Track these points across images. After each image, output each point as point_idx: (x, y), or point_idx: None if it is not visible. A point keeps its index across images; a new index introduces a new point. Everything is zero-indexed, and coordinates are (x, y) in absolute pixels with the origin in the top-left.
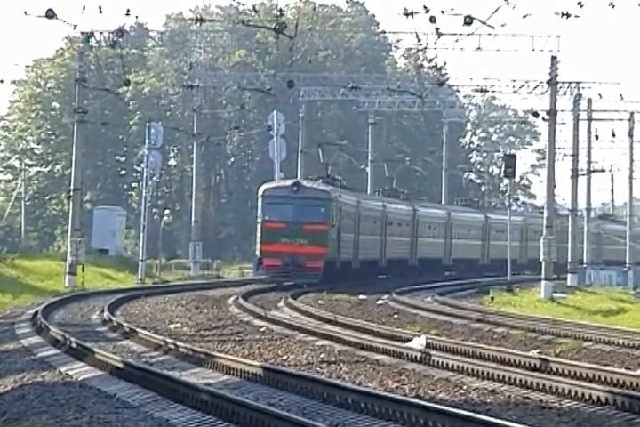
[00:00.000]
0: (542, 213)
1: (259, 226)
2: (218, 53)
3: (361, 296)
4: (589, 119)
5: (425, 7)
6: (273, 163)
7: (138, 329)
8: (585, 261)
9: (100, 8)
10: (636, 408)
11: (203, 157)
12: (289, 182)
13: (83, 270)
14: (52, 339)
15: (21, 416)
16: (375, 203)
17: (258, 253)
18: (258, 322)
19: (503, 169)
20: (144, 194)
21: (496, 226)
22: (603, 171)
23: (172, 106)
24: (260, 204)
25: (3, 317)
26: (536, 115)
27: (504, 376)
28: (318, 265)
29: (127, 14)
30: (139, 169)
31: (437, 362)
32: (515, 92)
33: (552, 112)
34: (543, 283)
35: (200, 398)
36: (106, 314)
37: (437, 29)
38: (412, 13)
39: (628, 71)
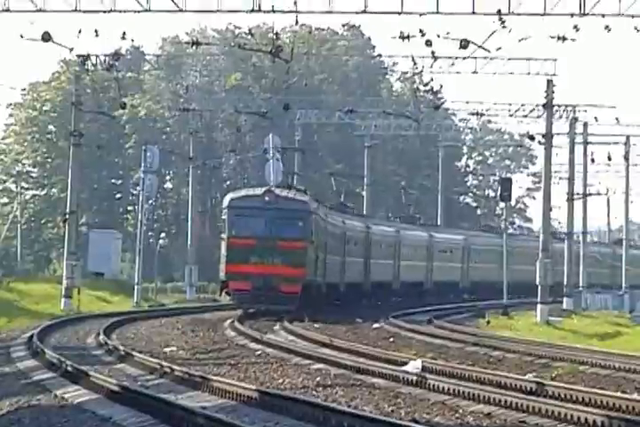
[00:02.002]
0: (488, 231)
1: (223, 243)
2: (214, 77)
3: (357, 320)
4: (585, 143)
5: (421, 31)
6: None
7: (133, 352)
8: (581, 284)
9: (96, 31)
10: None
11: (199, 181)
12: (259, 191)
13: (78, 294)
14: (48, 362)
15: None
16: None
17: (222, 274)
18: (254, 345)
19: (499, 192)
20: (140, 217)
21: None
22: (599, 194)
23: (167, 129)
24: (225, 217)
25: None
26: (532, 138)
27: (500, 400)
28: (295, 289)
29: (123, 38)
30: (134, 192)
31: (433, 385)
32: (511, 115)
33: (548, 135)
34: (539, 306)
35: (196, 422)
36: (101, 337)
37: (433, 53)
38: (407, 37)
39: (624, 95)
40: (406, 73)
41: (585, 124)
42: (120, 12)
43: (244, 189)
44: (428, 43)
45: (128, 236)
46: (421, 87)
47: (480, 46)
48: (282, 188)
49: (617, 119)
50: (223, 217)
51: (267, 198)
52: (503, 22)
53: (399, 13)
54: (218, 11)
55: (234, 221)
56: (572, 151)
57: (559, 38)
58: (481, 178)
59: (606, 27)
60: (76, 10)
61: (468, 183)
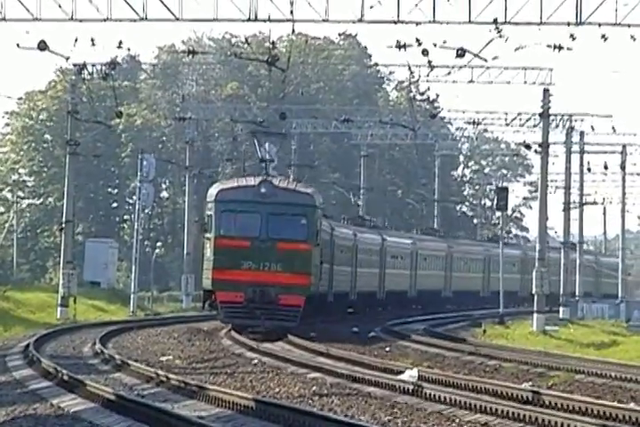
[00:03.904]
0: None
1: (208, 244)
2: (210, 86)
3: (353, 329)
4: (582, 152)
5: (417, 40)
6: None
7: (130, 361)
8: (577, 293)
9: (92, 40)
10: None
11: (195, 190)
12: (254, 181)
13: (74, 303)
14: (44, 371)
15: None
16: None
17: (207, 283)
18: (250, 354)
19: (495, 202)
20: (136, 226)
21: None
22: (595, 203)
23: (164, 138)
24: (211, 212)
25: None
26: (528, 147)
27: (496, 409)
28: (297, 302)
29: (119, 46)
30: (131, 201)
31: (430, 395)
32: (507, 124)
33: (544, 145)
34: (535, 316)
35: None
36: (98, 346)
37: (430, 62)
38: (404, 46)
39: (621, 104)
40: (402, 82)
41: (581, 134)
42: (116, 20)
43: (234, 178)
44: (425, 52)
45: (124, 245)
46: (418, 96)
47: (476, 55)
48: (280, 177)
49: (613, 128)
50: (208, 212)
51: (263, 190)
52: (499, 31)
53: (395, 22)
54: (214, 20)
55: (222, 218)
56: (568, 160)
57: (555, 47)
58: (477, 187)
59: (603, 36)
60: (72, 19)
61: (465, 192)
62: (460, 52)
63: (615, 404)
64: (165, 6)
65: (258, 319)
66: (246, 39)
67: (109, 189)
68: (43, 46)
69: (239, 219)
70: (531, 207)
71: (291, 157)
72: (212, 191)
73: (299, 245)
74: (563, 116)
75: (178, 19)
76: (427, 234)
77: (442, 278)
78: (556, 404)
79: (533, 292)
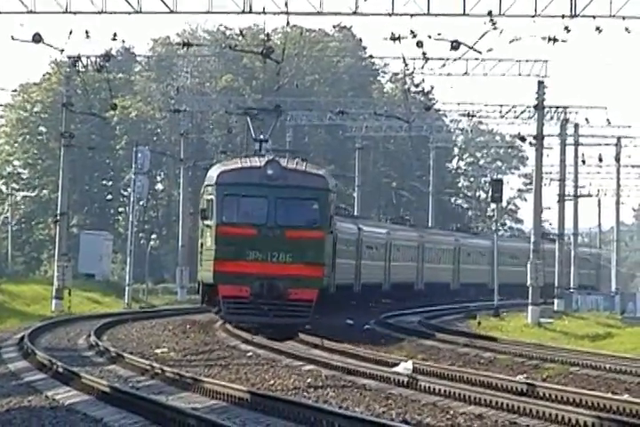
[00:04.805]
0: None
1: (209, 233)
2: (205, 78)
3: (348, 321)
4: (576, 144)
5: (412, 32)
6: None
7: (124, 354)
8: (572, 285)
9: (86, 32)
10: None
11: (190, 182)
12: (259, 162)
13: (69, 295)
14: (39, 363)
15: None
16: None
17: (208, 276)
18: (244, 347)
19: (490, 194)
20: (131, 218)
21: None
22: (590, 196)
23: (158, 130)
24: (212, 197)
25: None
26: (523, 139)
27: (491, 401)
28: (309, 296)
29: (114, 39)
30: (125, 194)
31: (424, 387)
32: (502, 116)
33: (539, 137)
34: (530, 308)
35: (187, 423)
36: (92, 339)
37: (424, 54)
38: (399, 38)
39: (616, 96)
40: (397, 74)
41: (576, 126)
42: (111, 13)
43: (236, 158)
44: (419, 44)
45: (119, 237)
46: (412, 88)
47: (471, 48)
48: (288, 157)
49: (608, 121)
50: (208, 197)
51: (269, 171)
52: (494, 24)
53: (390, 15)
54: (209, 12)
55: (225, 203)
56: (563, 153)
57: (550, 40)
58: (472, 179)
59: (597, 28)
60: (66, 11)
61: (460, 185)
62: (455, 45)
63: (610, 395)
64: None
65: (265, 316)
66: (241, 31)
67: (104, 182)
68: (37, 39)
69: (243, 204)
70: (525, 199)
71: (285, 148)
72: (213, 173)
73: (311, 233)
74: (557, 108)
75: (172, 11)
76: (397, 223)
77: (415, 270)
78: (550, 396)
79: (528, 284)
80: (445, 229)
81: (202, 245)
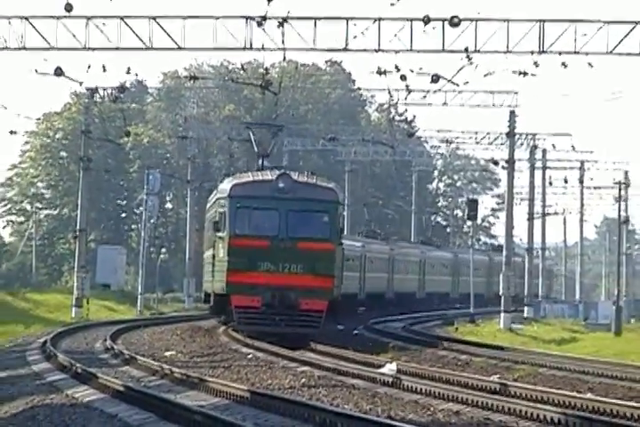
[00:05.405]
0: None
1: (221, 244)
2: (209, 108)
3: (338, 326)
4: (544, 167)
5: (396, 66)
6: None
7: (137, 356)
8: (540, 294)
9: (103, 67)
10: None
11: (196, 201)
12: (271, 175)
13: (87, 303)
14: (60, 365)
15: None
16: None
17: (220, 286)
18: (245, 350)
19: (466, 212)
20: (143, 234)
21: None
22: (556, 214)
23: (168, 155)
24: (225, 209)
25: (15, 345)
26: (496, 163)
27: (467, 399)
28: (320, 306)
29: (128, 72)
30: (138, 212)
31: (407, 386)
32: (477, 142)
33: (510, 161)
34: (502, 315)
35: (193, 419)
36: (108, 342)
37: (407, 86)
38: (384, 72)
39: (580, 124)
40: (383, 104)
41: (544, 151)
42: (125, 49)
43: (248, 172)
44: (403, 77)
45: (132, 251)
46: (397, 117)
47: (449, 80)
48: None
49: (572, 146)
50: (221, 209)
51: (281, 185)
52: (470, 59)
53: (377, 51)
54: (213, 48)
55: (237, 215)
56: (532, 175)
57: (520, 73)
58: (450, 199)
59: (563, 63)
60: (85, 47)
61: (439, 204)
62: (435, 78)
63: (574, 394)
64: (169, 36)
65: (277, 326)
66: (242, 66)
67: (119, 201)
68: (59, 72)
69: (256, 216)
70: (498, 217)
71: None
72: (225, 186)
73: (321, 245)
74: (527, 135)
75: (180, 47)
76: (369, 237)
77: (386, 280)
78: (521, 394)
79: (500, 293)
80: (412, 243)
81: (214, 256)
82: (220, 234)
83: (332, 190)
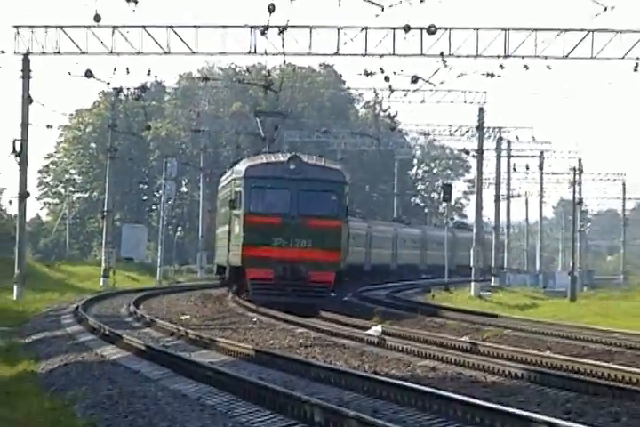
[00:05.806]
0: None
1: (237, 221)
2: (219, 105)
3: (332, 294)
4: (509, 156)
5: (381, 69)
6: None
7: (156, 320)
8: (505, 266)
9: (127, 69)
10: (544, 382)
11: (207, 186)
12: (282, 157)
13: (114, 274)
14: (90, 327)
15: (66, 388)
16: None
17: (236, 260)
18: (250, 314)
19: (442, 195)
20: (161, 214)
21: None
22: (519, 196)
23: (183, 146)
24: (240, 188)
25: (52, 310)
26: (467, 153)
27: (442, 357)
28: (328, 278)
29: (148, 74)
30: (157, 195)
31: (391, 345)
32: (451, 135)
33: (480, 151)
34: (473, 284)
35: (205, 374)
36: (132, 308)
37: (390, 86)
38: (370, 73)
39: (539, 118)
40: (369, 102)
41: (508, 142)
42: (146, 54)
43: (260, 155)
44: (387, 78)
45: (152, 229)
46: (381, 113)
47: (427, 81)
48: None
49: (533, 138)
50: (236, 189)
51: (292, 166)
52: (445, 62)
53: (364, 55)
54: (223, 53)
55: (252, 194)
56: (498, 163)
57: (488, 75)
58: (427, 184)
59: (525, 66)
60: (111, 52)
61: (418, 188)
62: (414, 79)
63: (535, 352)
64: (184, 43)
65: (288, 296)
66: (247, 68)
67: (140, 186)
68: (89, 74)
69: (269, 195)
70: (469, 199)
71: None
72: (240, 168)
73: (329, 222)
74: (494, 128)
75: (194, 52)
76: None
77: (364, 254)
78: (489, 352)
79: (471, 265)
80: (385, 220)
81: (229, 232)
82: (235, 211)
83: (339, 171)
